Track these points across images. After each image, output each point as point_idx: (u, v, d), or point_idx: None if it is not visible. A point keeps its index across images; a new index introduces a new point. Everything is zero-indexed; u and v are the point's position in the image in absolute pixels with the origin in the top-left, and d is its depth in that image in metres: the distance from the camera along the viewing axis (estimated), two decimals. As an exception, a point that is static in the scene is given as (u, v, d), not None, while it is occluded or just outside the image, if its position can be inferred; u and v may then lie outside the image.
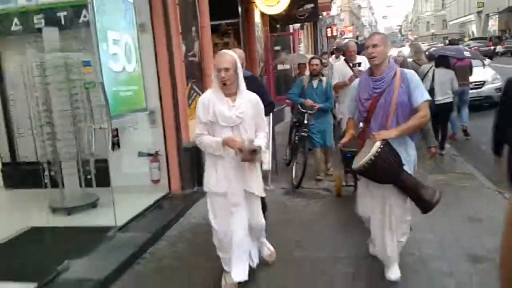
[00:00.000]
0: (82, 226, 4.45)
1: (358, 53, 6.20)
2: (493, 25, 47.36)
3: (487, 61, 12.23)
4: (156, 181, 5.40)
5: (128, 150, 5.29)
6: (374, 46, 3.18)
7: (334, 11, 36.51)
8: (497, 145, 2.92)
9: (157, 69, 5.24)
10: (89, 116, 4.67)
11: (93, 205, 4.87)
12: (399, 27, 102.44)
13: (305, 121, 5.83)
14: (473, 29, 54.20)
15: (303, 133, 5.86)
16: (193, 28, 5.94)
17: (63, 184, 4.84)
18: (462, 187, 5.38)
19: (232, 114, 3.15)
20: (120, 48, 4.56)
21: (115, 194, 4.23)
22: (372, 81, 3.28)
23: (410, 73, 3.32)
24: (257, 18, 9.70)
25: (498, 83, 10.25)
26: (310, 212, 5.00)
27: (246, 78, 3.45)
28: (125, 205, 4.51)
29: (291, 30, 15.31)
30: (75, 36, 5.04)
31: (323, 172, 6.22)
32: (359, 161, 3.11)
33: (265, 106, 3.51)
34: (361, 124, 3.54)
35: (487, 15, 48.85)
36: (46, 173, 4.74)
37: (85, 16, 5.01)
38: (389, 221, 3.26)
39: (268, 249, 3.72)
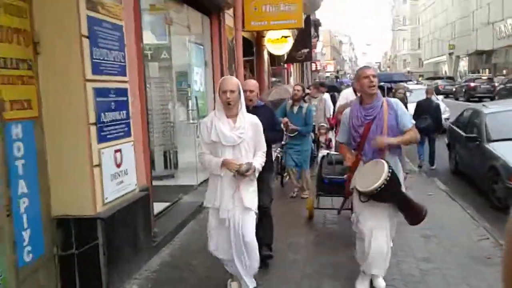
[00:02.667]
0: (177, 184, 7.00)
1: (337, 91, 8.10)
2: (464, 66, 51.29)
3: (440, 97, 15.42)
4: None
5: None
6: (374, 76, 3.51)
7: (319, 48, 39.98)
8: None
9: (213, 89, 8.02)
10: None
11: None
12: (378, 64, 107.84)
13: (282, 142, 6.37)
14: (446, 68, 58.21)
15: (277, 153, 6.76)
16: (233, 64, 8.78)
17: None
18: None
19: (233, 134, 3.33)
20: (199, 76, 7.38)
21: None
22: (364, 109, 3.55)
23: (396, 101, 3.65)
24: (266, 57, 12.66)
25: (447, 114, 12.84)
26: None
27: (259, 107, 3.95)
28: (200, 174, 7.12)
29: (285, 66, 18.41)
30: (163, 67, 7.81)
31: (296, 191, 6.81)
32: (365, 183, 3.39)
33: (277, 131, 4.13)
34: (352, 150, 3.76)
35: (458, 57, 52.90)
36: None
37: (165, 55, 7.77)
38: (386, 233, 3.55)
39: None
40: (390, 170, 3.31)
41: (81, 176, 3.48)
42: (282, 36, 11.65)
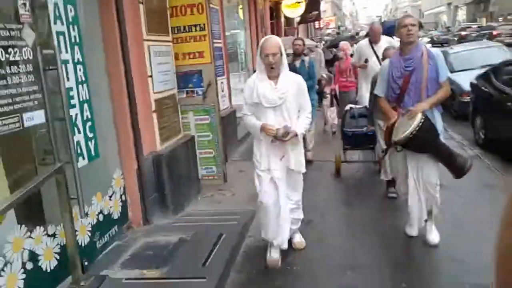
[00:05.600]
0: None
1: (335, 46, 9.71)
2: (463, 15, 52.76)
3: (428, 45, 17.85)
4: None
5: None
6: (413, 25, 3.45)
7: (322, 7, 41.72)
8: None
9: (251, 49, 10.63)
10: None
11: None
12: (380, 17, 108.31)
13: None
14: (445, 19, 59.67)
15: None
16: (263, 27, 11.36)
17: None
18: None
19: (274, 95, 3.31)
20: (242, 38, 9.98)
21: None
22: (403, 60, 3.51)
23: (437, 52, 3.61)
24: (282, 19, 15.15)
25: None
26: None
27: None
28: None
29: (295, 26, 20.82)
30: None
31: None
32: (399, 134, 3.40)
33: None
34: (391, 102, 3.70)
35: (456, 7, 54.34)
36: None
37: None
38: (423, 185, 3.60)
39: (300, 237, 3.85)
40: (423, 119, 3.31)
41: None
42: (296, 2, 14.08)
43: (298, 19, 17.09)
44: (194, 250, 3.71)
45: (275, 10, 14.01)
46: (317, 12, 15.46)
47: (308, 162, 6.17)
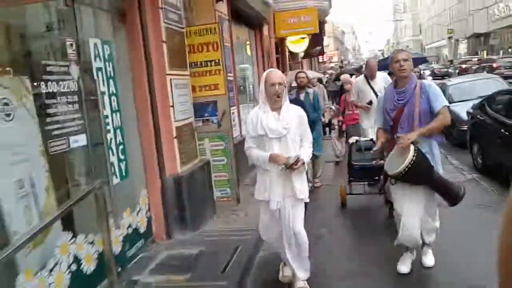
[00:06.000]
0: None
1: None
2: (464, 49, 53.97)
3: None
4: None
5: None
6: (405, 60, 3.52)
7: (325, 41, 42.91)
8: None
9: (258, 82, 11.23)
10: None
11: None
12: (382, 51, 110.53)
13: None
14: (446, 52, 60.96)
15: None
16: (268, 62, 12.01)
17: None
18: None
19: (278, 126, 3.38)
20: (250, 72, 10.60)
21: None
22: (396, 93, 3.59)
23: (429, 83, 3.65)
24: (287, 54, 15.88)
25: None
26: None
27: (292, 100, 3.93)
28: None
29: (299, 60, 21.63)
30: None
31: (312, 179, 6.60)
32: (394, 167, 3.45)
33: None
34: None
35: (457, 40, 55.63)
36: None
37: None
38: (423, 215, 3.63)
39: (304, 283, 3.62)
40: (415, 153, 3.33)
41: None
42: (300, 38, 14.81)
43: (302, 54, 17.84)
44: (213, 260, 4.11)
45: (280, 46, 14.72)
46: (320, 47, 16.21)
47: (316, 188, 6.76)
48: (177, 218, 4.81)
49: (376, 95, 6.07)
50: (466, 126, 8.35)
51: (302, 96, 6.41)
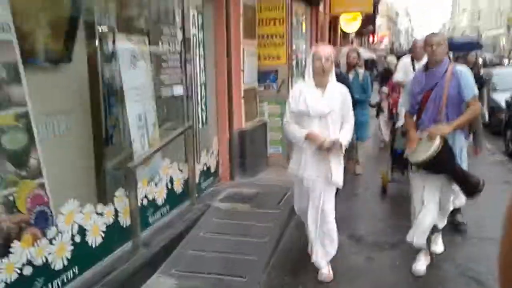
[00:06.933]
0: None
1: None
2: (523, 40, 51.79)
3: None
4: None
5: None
6: (439, 44, 3.38)
7: (378, 21, 42.46)
8: None
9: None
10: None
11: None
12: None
13: None
14: (503, 42, 58.66)
15: None
16: (322, 38, 12.68)
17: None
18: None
19: (322, 105, 3.30)
20: (304, 46, 11.37)
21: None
22: (426, 75, 3.48)
23: (462, 70, 3.46)
24: (339, 32, 16.43)
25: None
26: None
27: (337, 75, 3.72)
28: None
29: (351, 39, 22.04)
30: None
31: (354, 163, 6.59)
32: (418, 155, 3.38)
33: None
34: (414, 117, 3.64)
35: (516, 30, 53.41)
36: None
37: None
38: (441, 205, 3.62)
39: (328, 270, 3.55)
40: (442, 144, 3.27)
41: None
42: (353, 16, 15.32)
43: (353, 33, 18.32)
44: (268, 198, 5.10)
45: (333, 23, 15.30)
46: (372, 27, 16.63)
47: (356, 175, 6.51)
48: (239, 164, 5.81)
49: None
50: (504, 115, 8.87)
51: (351, 76, 6.24)
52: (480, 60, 10.33)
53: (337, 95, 3.40)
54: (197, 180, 4.88)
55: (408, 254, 3.89)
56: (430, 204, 3.54)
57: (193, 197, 4.59)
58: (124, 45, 3.64)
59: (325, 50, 3.35)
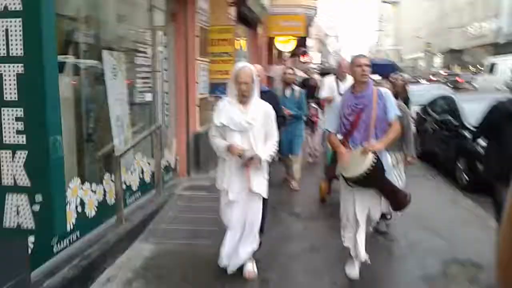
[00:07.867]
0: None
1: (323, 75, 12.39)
2: (439, 63, 56.79)
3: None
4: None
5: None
6: (367, 65, 3.54)
7: (309, 42, 44.94)
8: None
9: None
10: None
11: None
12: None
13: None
14: (422, 64, 63.87)
15: None
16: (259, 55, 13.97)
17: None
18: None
19: (242, 120, 3.38)
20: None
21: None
22: (354, 97, 3.62)
23: (385, 91, 3.71)
24: (274, 52, 17.88)
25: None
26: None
27: (264, 92, 3.96)
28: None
29: (285, 58, 23.68)
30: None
31: (292, 179, 6.57)
32: (353, 169, 3.47)
33: (280, 117, 4.17)
34: (339, 136, 3.74)
35: (433, 54, 58.51)
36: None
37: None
38: (368, 219, 3.74)
39: (252, 267, 3.73)
40: (375, 159, 3.40)
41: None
42: (288, 39, 16.82)
43: (289, 54, 19.90)
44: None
45: (270, 44, 16.71)
46: (304, 48, 18.26)
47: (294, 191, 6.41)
48: (194, 162, 6.76)
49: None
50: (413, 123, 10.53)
51: (287, 93, 6.33)
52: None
53: (260, 111, 3.51)
54: (161, 173, 5.78)
55: (335, 223, 4.26)
56: (364, 223, 3.72)
57: (160, 186, 5.50)
58: (107, 59, 4.55)
59: (246, 74, 3.42)
